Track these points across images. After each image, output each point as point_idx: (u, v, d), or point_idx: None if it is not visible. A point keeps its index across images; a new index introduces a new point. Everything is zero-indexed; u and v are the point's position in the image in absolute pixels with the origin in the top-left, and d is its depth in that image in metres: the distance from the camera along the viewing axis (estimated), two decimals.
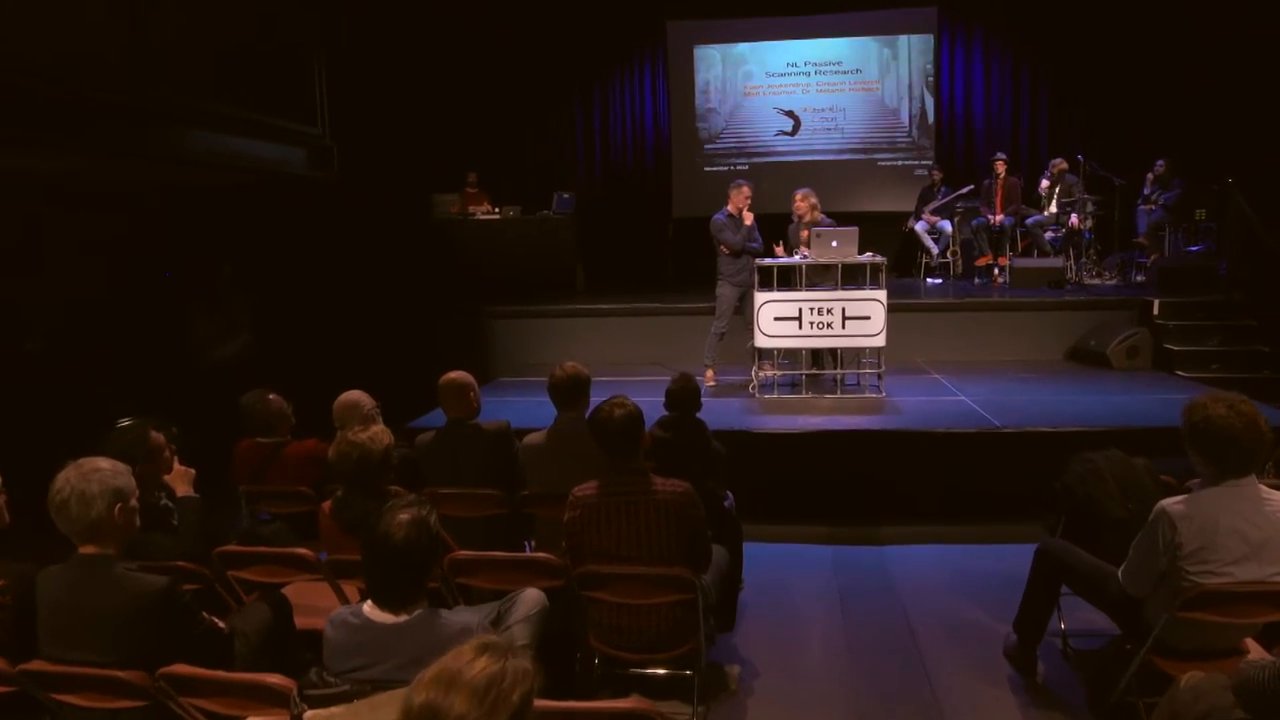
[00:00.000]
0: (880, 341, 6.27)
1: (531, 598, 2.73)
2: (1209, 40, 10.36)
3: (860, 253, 6.39)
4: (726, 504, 3.85)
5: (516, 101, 12.16)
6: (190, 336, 5.97)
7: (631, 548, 2.76)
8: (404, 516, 2.06)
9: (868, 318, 6.20)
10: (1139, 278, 10.16)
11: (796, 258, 6.56)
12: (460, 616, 2.14)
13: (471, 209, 10.67)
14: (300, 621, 3.08)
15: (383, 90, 9.49)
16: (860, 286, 6.44)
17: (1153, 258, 10.29)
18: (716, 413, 5.95)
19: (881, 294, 6.23)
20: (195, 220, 6.79)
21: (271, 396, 3.93)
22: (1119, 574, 2.96)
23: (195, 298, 6.10)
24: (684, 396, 3.86)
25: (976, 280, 10.22)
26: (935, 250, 10.68)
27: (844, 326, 6.22)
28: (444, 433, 3.77)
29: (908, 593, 4.44)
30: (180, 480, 3.18)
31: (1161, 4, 10.83)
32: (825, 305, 6.21)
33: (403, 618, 2.04)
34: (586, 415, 3.69)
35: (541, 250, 10.41)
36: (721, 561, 3.24)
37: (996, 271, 10.02)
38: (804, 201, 6.92)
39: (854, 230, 6.34)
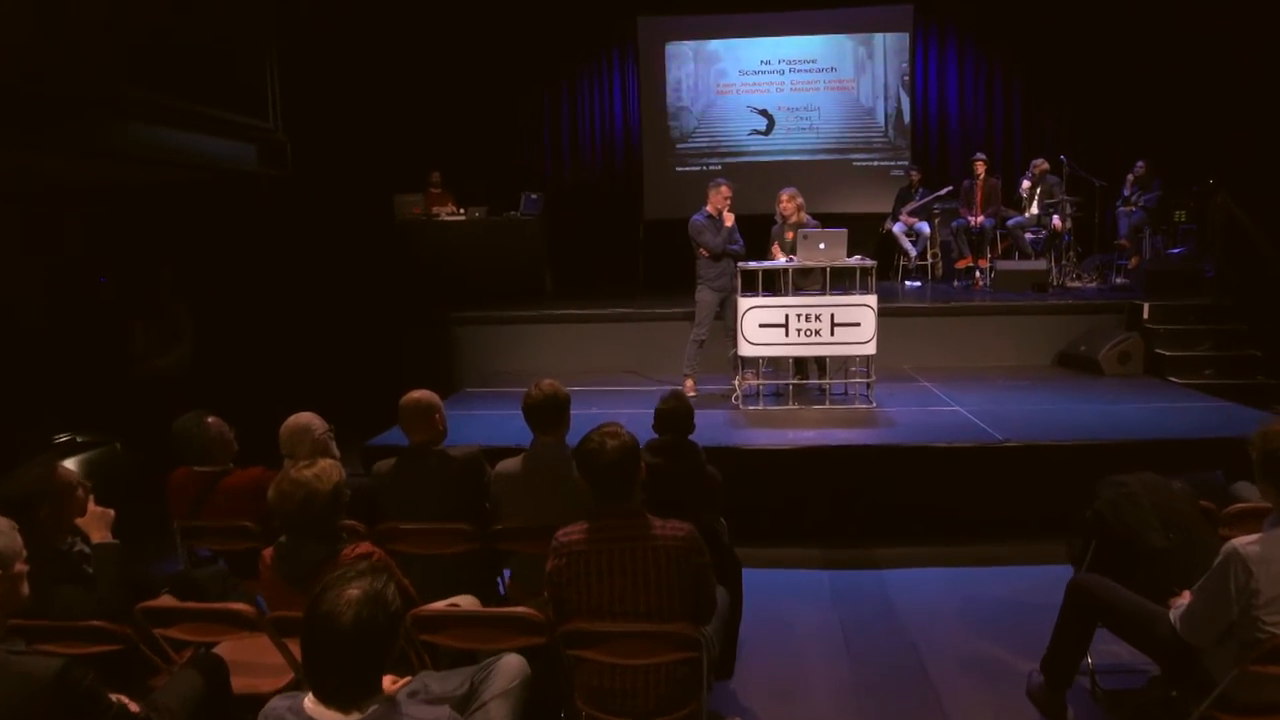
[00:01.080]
0: (871, 349, 5.94)
1: (510, 668, 2.33)
2: (1189, 39, 10.22)
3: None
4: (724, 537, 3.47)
5: (482, 98, 11.72)
6: (127, 346, 5.46)
7: (627, 601, 2.36)
8: (354, 592, 1.64)
9: (858, 324, 5.87)
10: (1118, 279, 9.99)
11: (782, 260, 6.21)
12: (425, 712, 1.73)
13: (435, 210, 10.24)
14: (239, 683, 2.65)
15: (341, 84, 9.01)
16: (847, 291, 6.12)
17: (1133, 260, 10.14)
18: (699, 427, 5.55)
19: (872, 299, 5.90)
20: (133, 220, 6.27)
21: (210, 419, 3.47)
22: (1175, 620, 2.63)
23: (133, 304, 5.59)
24: (676, 418, 3.47)
25: (956, 283, 10.01)
26: (913, 252, 10.44)
27: (833, 333, 5.88)
28: (405, 459, 3.35)
29: (915, 624, 4.09)
30: (96, 523, 2.72)
31: (1139, 2, 10.69)
32: (813, 311, 5.86)
33: (354, 717, 1.64)
34: (567, 439, 3.32)
35: (508, 253, 10.01)
36: (723, 607, 2.86)
37: (978, 274, 9.80)
38: (790, 202, 6.57)
39: (843, 232, 6.00)
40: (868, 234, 10.78)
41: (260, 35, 6.55)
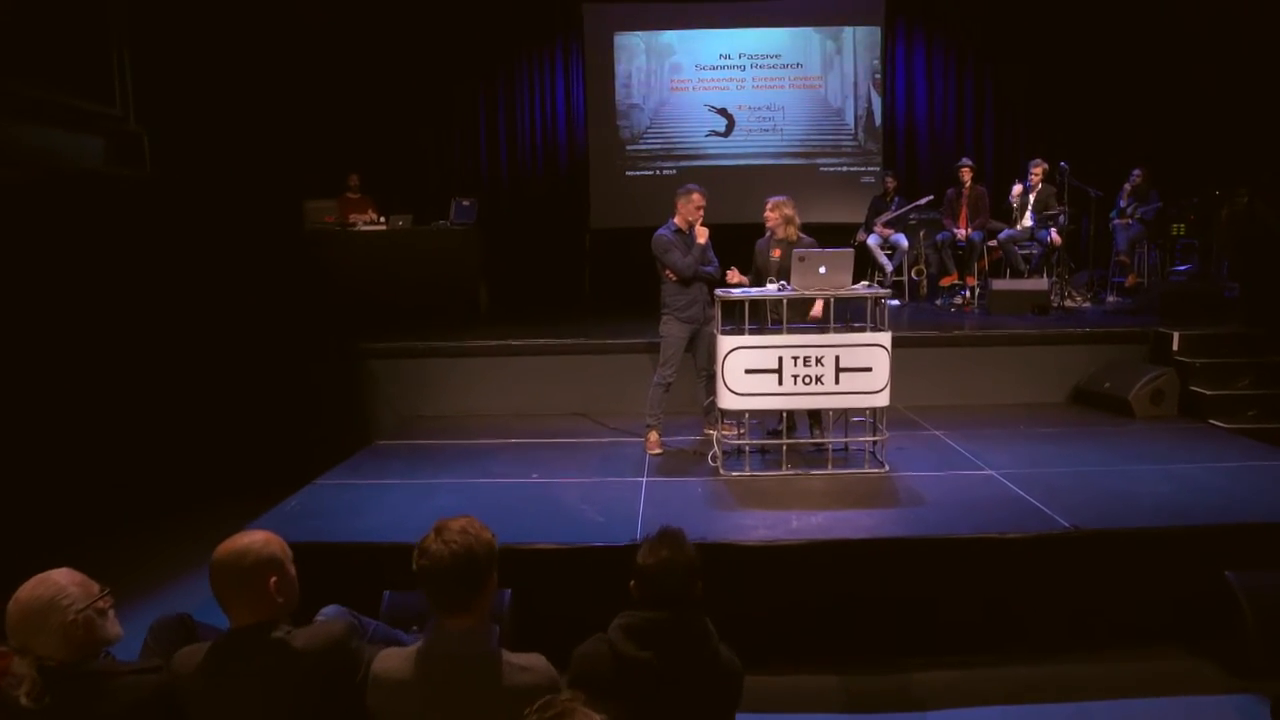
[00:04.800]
0: (884, 400, 4.76)
1: None
2: (1190, 34, 9.38)
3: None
4: None
5: (408, 91, 10.45)
6: None
7: None
8: None
9: (869, 369, 4.68)
10: (1111, 297, 9.09)
11: (772, 288, 5.00)
12: None
13: (352, 218, 9.00)
14: None
15: (232, 66, 7.52)
16: (850, 326, 4.95)
17: (1130, 278, 9.25)
18: (671, 507, 4.35)
19: (885, 337, 4.72)
20: None
21: None
22: None
23: None
24: (671, 579, 2.11)
25: (939, 301, 9.00)
26: (889, 267, 9.37)
27: (838, 381, 4.68)
28: (222, 652, 2.01)
29: None
30: None
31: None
32: (814, 354, 4.66)
33: None
34: (493, 622, 2.04)
35: (437, 268, 8.78)
36: None
37: (966, 293, 8.78)
38: (774, 212, 5.39)
39: (848, 253, 4.82)
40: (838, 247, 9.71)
41: None
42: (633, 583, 2.15)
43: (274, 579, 2.02)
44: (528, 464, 5.18)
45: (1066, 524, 3.91)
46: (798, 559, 3.80)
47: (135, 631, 2.89)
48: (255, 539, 2.06)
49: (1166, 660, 3.83)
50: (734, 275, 5.25)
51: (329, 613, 2.66)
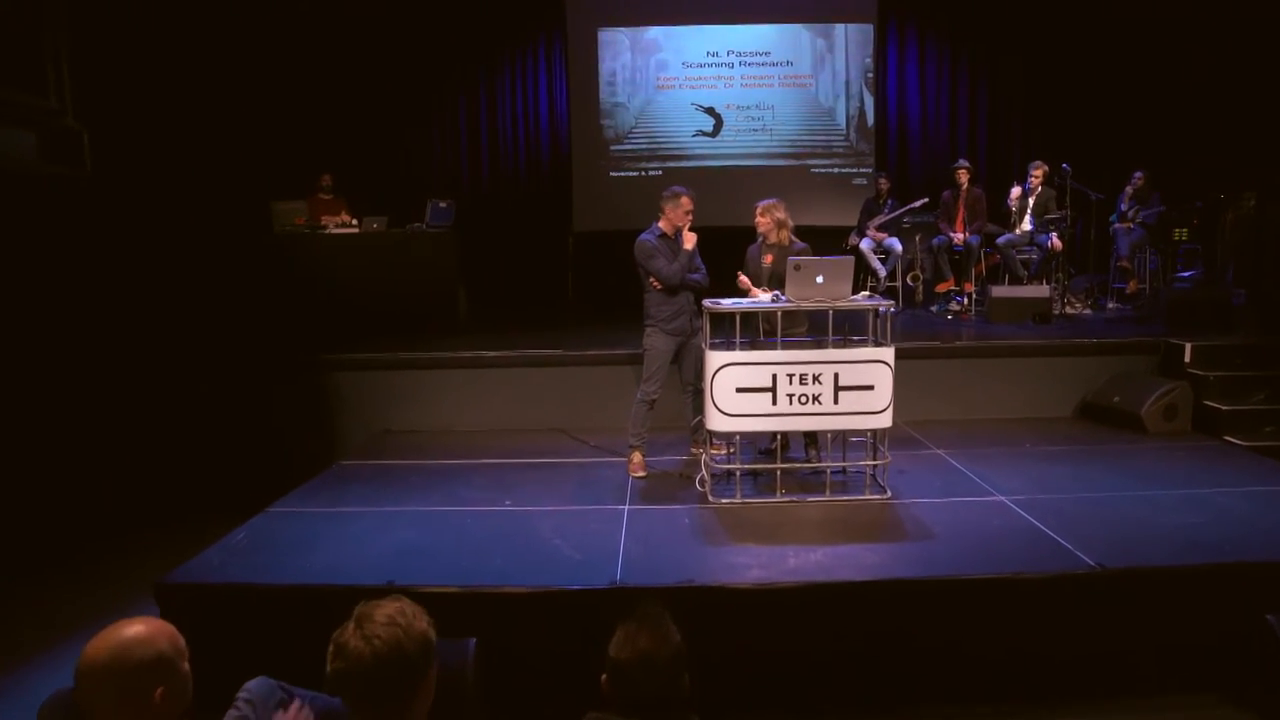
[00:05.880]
0: (886, 421, 4.39)
1: None
2: (1188, 38, 9.08)
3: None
4: None
5: (385, 88, 10.02)
6: None
7: None
8: None
9: (870, 387, 4.31)
10: (1112, 303, 8.80)
11: (764, 298, 4.62)
12: None
13: (324, 220, 8.59)
14: None
15: (183, 53, 7.05)
16: (849, 340, 4.58)
17: (1131, 284, 8.94)
18: (655, 542, 3.97)
19: (888, 353, 4.35)
20: None
21: None
22: None
23: None
24: (653, 680, 1.67)
25: (934, 308, 8.67)
26: (883, 272, 9.03)
27: (837, 400, 4.31)
28: None
29: None
30: None
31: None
32: (811, 370, 4.28)
33: None
34: None
35: (413, 273, 8.40)
36: None
37: (963, 300, 8.45)
38: (765, 216, 5.03)
39: (848, 261, 4.46)
40: (829, 251, 9.32)
41: None
42: (604, 678, 1.76)
43: (161, 689, 1.61)
44: (500, 489, 4.79)
45: (1091, 562, 3.55)
46: (796, 603, 3.42)
47: (30, 705, 2.48)
48: (137, 634, 1.63)
49: (1201, 710, 3.50)
50: (745, 281, 4.90)
51: (253, 689, 2.26)
